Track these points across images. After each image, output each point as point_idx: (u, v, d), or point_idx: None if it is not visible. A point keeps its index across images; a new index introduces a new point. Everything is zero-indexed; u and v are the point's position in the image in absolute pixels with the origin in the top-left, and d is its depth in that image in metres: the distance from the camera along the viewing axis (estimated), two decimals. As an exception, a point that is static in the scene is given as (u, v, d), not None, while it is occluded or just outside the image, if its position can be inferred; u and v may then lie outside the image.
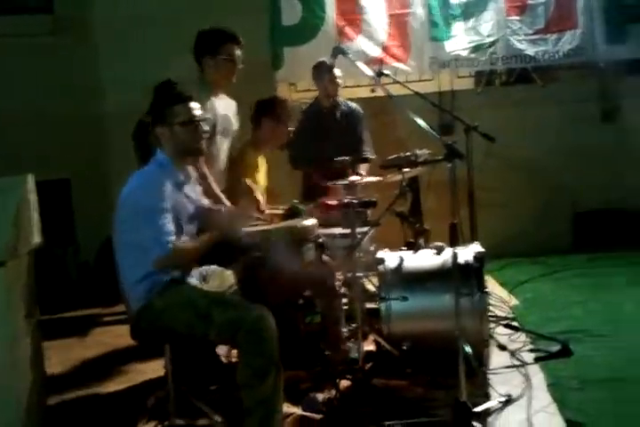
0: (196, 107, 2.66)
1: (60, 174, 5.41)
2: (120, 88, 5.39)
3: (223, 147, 3.46)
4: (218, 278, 2.87)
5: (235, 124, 3.53)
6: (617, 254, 5.13)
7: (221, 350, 3.22)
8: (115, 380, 3.41)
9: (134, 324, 2.60)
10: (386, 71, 3.41)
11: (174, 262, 2.54)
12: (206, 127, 2.74)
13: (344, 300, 3.32)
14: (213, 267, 2.92)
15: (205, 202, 2.85)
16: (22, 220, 2.24)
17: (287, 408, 2.64)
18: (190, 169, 2.79)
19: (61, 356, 3.60)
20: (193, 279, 2.71)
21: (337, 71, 4.36)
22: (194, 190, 2.79)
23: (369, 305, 3.42)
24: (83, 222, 5.63)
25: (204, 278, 2.81)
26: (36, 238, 2.44)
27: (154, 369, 3.20)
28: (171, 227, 2.50)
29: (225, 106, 3.43)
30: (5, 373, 2.09)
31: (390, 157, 3.84)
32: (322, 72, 4.37)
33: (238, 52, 3.36)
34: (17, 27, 5.46)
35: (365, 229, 3.36)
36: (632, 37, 5.51)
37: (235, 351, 2.84)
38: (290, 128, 3.68)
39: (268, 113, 3.60)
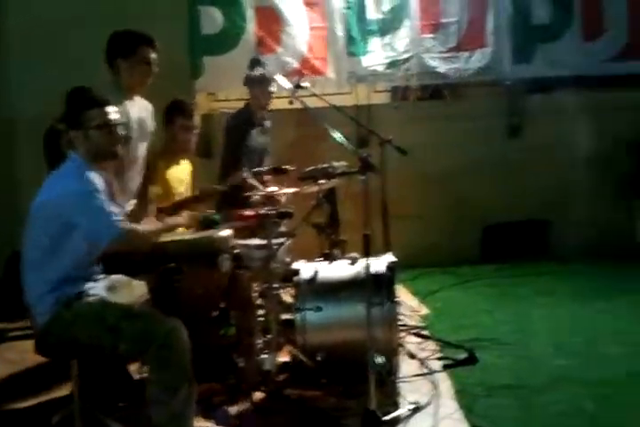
0: (112, 111, 2.65)
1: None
2: (29, 94, 5.20)
3: (141, 150, 3.41)
4: (126, 289, 2.82)
5: (151, 125, 3.49)
6: (523, 265, 5.38)
7: (133, 366, 3.16)
8: (20, 397, 3.27)
9: (40, 338, 2.52)
10: (304, 84, 3.47)
11: (131, 241, 2.53)
12: (123, 132, 2.72)
13: (259, 311, 3.33)
14: (119, 277, 2.86)
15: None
16: None
17: (200, 423, 2.62)
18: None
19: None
20: (100, 291, 2.64)
21: (274, 85, 4.36)
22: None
23: (285, 316, 3.44)
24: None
25: (111, 289, 2.74)
26: None
27: (60, 387, 3.10)
28: (112, 208, 2.48)
29: (139, 108, 3.38)
30: None
31: (307, 169, 3.91)
32: (262, 84, 4.35)
33: (153, 55, 3.30)
34: None
35: (281, 240, 3.39)
36: (538, 57, 5.78)
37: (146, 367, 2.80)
38: (190, 132, 3.63)
39: (167, 119, 3.57)
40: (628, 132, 5.78)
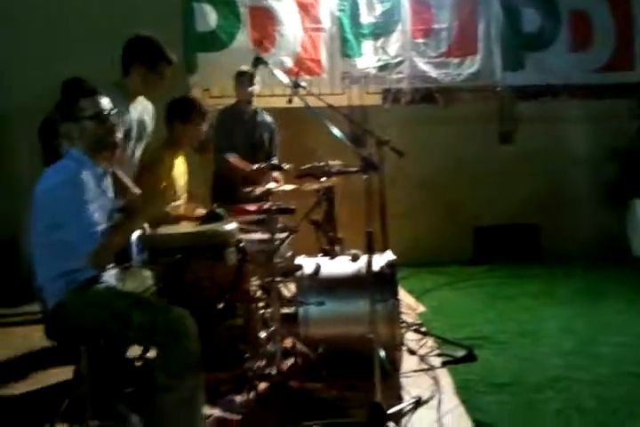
0: (103, 100, 2.63)
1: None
2: (25, 87, 5.15)
3: (137, 152, 3.42)
4: (135, 278, 2.82)
5: (150, 126, 3.49)
6: (514, 267, 5.47)
7: (133, 352, 3.16)
8: (25, 382, 3.29)
9: (49, 322, 2.52)
10: (302, 83, 3.49)
11: (107, 253, 2.46)
12: (117, 121, 2.69)
13: (260, 304, 3.34)
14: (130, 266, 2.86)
15: (119, 202, 2.80)
16: None
17: (206, 410, 2.63)
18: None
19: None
20: (110, 279, 2.65)
21: (256, 80, 4.58)
22: (109, 186, 2.74)
23: (284, 310, 3.45)
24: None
25: (121, 278, 2.75)
26: None
27: (64, 372, 3.10)
28: (96, 218, 2.45)
29: (141, 110, 3.38)
30: None
31: (304, 167, 3.93)
32: (244, 80, 4.56)
33: (168, 72, 3.34)
34: None
35: (284, 235, 3.40)
36: (528, 64, 5.91)
37: (150, 353, 2.80)
38: (203, 128, 3.65)
39: (178, 114, 3.57)
40: (615, 138, 5.90)
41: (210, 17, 5.57)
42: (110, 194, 2.73)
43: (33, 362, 3.52)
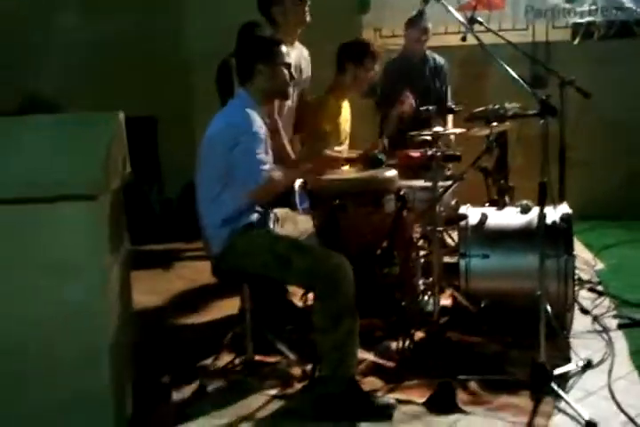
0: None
1: (147, 112, 5.39)
2: (204, 33, 5.37)
3: (292, 98, 3.38)
4: (292, 222, 2.87)
5: (307, 71, 3.45)
6: None
7: (296, 294, 3.27)
8: (195, 314, 3.55)
9: (214, 264, 2.65)
10: (479, 18, 3.24)
11: (268, 191, 2.57)
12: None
13: (421, 253, 3.26)
14: (285, 210, 2.91)
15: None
16: (114, 156, 2.27)
17: (361, 354, 2.64)
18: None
19: (145, 287, 3.70)
20: (269, 223, 2.71)
21: (428, 26, 4.37)
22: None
23: (446, 260, 3.34)
24: (167, 161, 5.70)
25: (278, 222, 2.81)
26: (127, 174, 2.49)
27: (232, 306, 3.28)
28: (264, 156, 2.52)
29: (297, 55, 3.34)
30: (98, 301, 2.18)
31: (477, 110, 3.70)
32: (414, 28, 4.38)
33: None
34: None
35: (448, 183, 3.25)
36: None
37: (310, 295, 2.87)
38: (373, 72, 3.55)
39: (351, 56, 3.49)
40: None
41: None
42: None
43: (203, 295, 3.81)
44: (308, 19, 3.27)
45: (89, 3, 5.47)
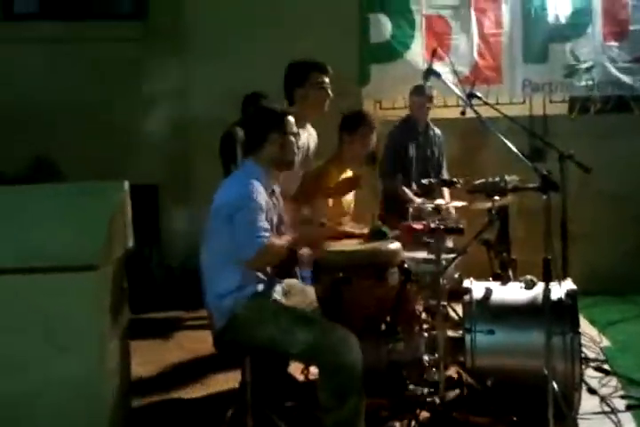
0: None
1: (149, 181, 5.43)
2: (206, 98, 5.41)
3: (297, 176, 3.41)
4: (299, 294, 2.83)
5: (312, 154, 3.46)
6: None
7: (296, 368, 3.18)
8: (194, 387, 3.48)
9: (217, 336, 2.59)
10: (477, 93, 3.30)
11: (267, 259, 2.54)
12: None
13: (425, 326, 3.19)
14: (294, 281, 2.90)
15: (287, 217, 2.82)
16: (117, 225, 2.26)
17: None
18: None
19: (144, 357, 3.63)
20: (276, 294, 2.67)
21: (433, 94, 4.54)
22: (279, 201, 2.79)
23: (450, 334, 3.27)
24: (168, 228, 5.66)
25: (285, 293, 2.77)
26: (129, 243, 2.47)
27: (231, 379, 3.23)
28: (265, 224, 2.51)
29: (307, 137, 3.37)
30: (95, 373, 2.18)
31: (477, 182, 3.71)
32: (420, 95, 4.52)
33: (326, 80, 3.27)
34: (109, 31, 5.58)
35: (451, 256, 3.22)
36: None
37: (313, 369, 2.79)
38: (369, 140, 3.57)
39: (347, 126, 3.53)
40: None
41: (385, 27, 5.51)
42: (280, 208, 2.77)
43: (203, 366, 3.72)
44: (325, 108, 3.29)
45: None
